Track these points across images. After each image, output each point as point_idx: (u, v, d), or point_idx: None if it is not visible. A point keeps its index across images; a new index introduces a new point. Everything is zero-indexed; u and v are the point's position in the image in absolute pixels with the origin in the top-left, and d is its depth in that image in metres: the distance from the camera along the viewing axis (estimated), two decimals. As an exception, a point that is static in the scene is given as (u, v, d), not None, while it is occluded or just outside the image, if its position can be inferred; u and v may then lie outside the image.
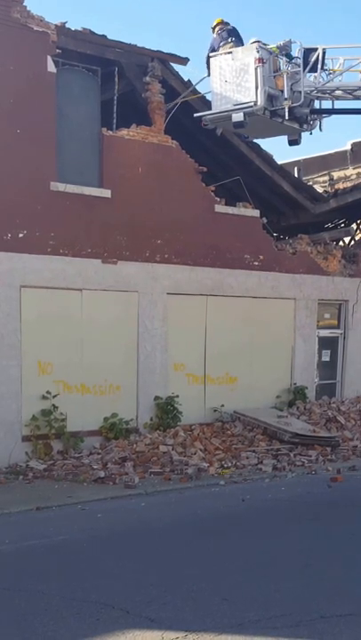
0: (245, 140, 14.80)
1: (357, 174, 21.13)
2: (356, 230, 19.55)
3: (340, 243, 18.96)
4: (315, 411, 15.05)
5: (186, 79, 13.96)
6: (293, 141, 12.50)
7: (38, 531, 8.17)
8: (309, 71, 11.60)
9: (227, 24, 12.42)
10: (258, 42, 11.39)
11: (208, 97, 12.64)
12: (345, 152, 22.41)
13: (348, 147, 22.36)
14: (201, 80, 13.16)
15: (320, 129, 12.22)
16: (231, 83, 11.49)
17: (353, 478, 11.26)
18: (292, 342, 15.80)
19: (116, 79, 13.29)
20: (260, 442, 13.16)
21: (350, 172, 21.76)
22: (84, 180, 12.64)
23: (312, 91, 11.68)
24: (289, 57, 11.50)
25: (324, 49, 11.61)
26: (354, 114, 12.57)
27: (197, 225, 14.01)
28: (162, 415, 13.51)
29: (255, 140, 15.08)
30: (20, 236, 11.88)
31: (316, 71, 11.61)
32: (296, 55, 11.53)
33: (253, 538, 7.84)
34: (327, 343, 16.64)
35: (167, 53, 13.68)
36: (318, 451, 12.85)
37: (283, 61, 11.48)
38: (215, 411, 14.30)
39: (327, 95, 11.93)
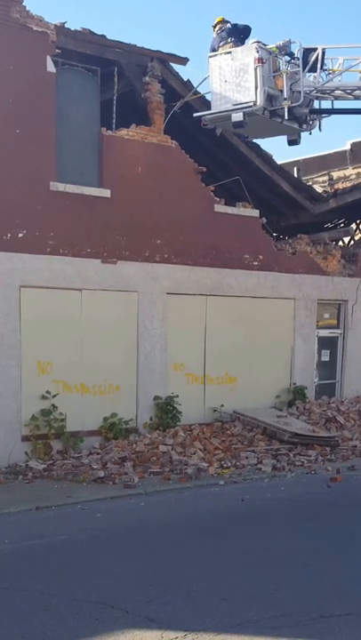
0: (245, 140, 14.81)
1: (357, 174, 21.14)
2: (356, 230, 19.56)
3: (340, 243, 18.97)
4: (314, 410, 15.05)
5: (186, 79, 13.96)
6: (293, 141, 12.52)
7: (38, 530, 8.17)
8: (309, 71, 11.61)
9: (227, 23, 12.41)
10: (258, 42, 11.40)
11: (208, 97, 12.65)
12: (344, 152, 22.43)
13: (347, 147, 22.39)
14: (203, 80, 13.18)
15: (319, 129, 12.24)
16: (231, 83, 11.50)
17: (352, 478, 11.26)
18: (292, 342, 15.80)
19: (116, 79, 13.29)
20: (259, 442, 13.17)
21: (350, 171, 21.77)
22: (84, 180, 12.64)
23: (312, 91, 11.69)
24: (289, 56, 11.51)
25: (323, 49, 11.63)
26: (353, 114, 12.58)
27: (197, 225, 14.02)
28: (161, 415, 13.51)
29: (255, 140, 15.09)
30: (20, 235, 11.89)
31: (315, 71, 11.63)
32: (296, 55, 11.54)
33: (253, 538, 7.84)
34: (327, 343, 16.65)
35: (167, 53, 13.68)
36: (318, 450, 12.86)
37: (282, 61, 11.49)
38: (215, 410, 14.30)
39: (327, 95, 11.94)
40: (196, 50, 52.32)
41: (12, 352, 11.82)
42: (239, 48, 11.71)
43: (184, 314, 13.99)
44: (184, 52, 35.37)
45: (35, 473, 11.32)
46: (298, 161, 21.97)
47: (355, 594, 6.07)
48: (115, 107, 13.40)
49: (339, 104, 12.20)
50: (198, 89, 13.65)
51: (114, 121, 13.34)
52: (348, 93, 11.85)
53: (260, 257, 15.11)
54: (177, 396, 13.69)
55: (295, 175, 18.43)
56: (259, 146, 15.70)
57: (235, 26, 12.25)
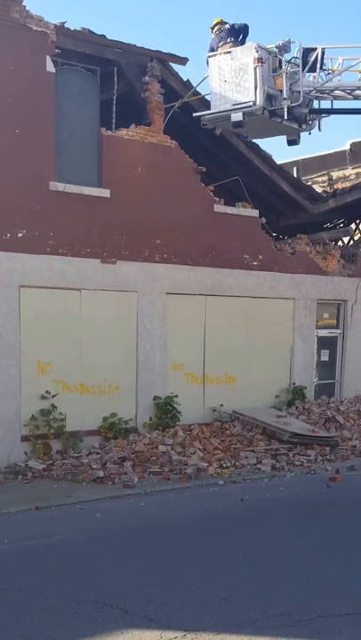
0: (244, 140, 14.83)
1: (356, 174, 21.15)
2: (355, 230, 19.58)
3: (340, 243, 18.98)
4: (314, 410, 15.05)
5: (185, 79, 13.96)
6: (292, 141, 12.54)
7: (37, 530, 8.17)
8: (308, 71, 11.63)
9: (225, 23, 12.42)
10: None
11: (207, 97, 12.65)
12: (344, 152, 22.45)
13: (347, 147, 22.40)
14: (203, 80, 13.20)
15: (319, 129, 12.26)
16: (230, 82, 11.52)
17: (352, 478, 11.27)
18: (292, 342, 15.80)
19: (116, 79, 13.28)
20: (259, 441, 13.17)
21: (349, 171, 21.79)
22: (84, 180, 12.64)
23: (311, 90, 11.70)
24: (288, 56, 11.52)
25: (323, 49, 11.64)
26: (353, 114, 12.60)
27: (197, 225, 14.02)
28: (161, 415, 13.51)
29: (254, 140, 15.11)
30: (20, 235, 11.88)
31: (315, 71, 11.65)
32: (295, 55, 11.55)
33: (252, 537, 7.85)
34: (326, 343, 16.65)
35: (166, 53, 13.68)
36: (317, 450, 12.86)
37: (282, 61, 11.49)
38: (214, 410, 14.31)
39: (326, 95, 11.96)
40: (195, 50, 52.42)
41: (12, 352, 11.82)
42: (239, 48, 11.72)
43: (184, 314, 14.00)
44: (184, 52, 35.42)
45: (34, 473, 11.32)
46: (297, 161, 21.98)
47: (354, 594, 6.08)
48: (114, 106, 13.41)
49: (338, 104, 12.22)
50: (198, 89, 13.69)
51: (113, 121, 13.34)
52: (348, 93, 11.86)
53: (260, 257, 15.12)
54: (176, 396, 13.69)
55: (295, 175, 18.44)
56: (258, 146, 15.72)
57: (233, 26, 12.27)
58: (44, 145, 12.04)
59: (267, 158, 15.95)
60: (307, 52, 11.59)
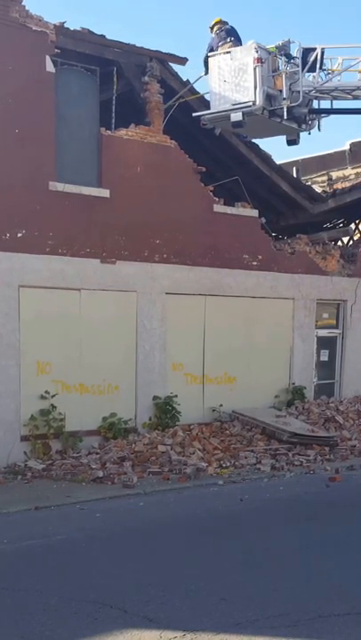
0: (244, 140, 14.83)
1: (356, 174, 21.15)
2: (355, 230, 19.58)
3: (339, 242, 18.98)
4: (313, 410, 15.06)
5: (185, 79, 13.95)
6: (292, 141, 12.53)
7: (37, 530, 8.17)
8: (308, 71, 11.62)
9: (225, 23, 12.42)
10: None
11: (207, 97, 12.64)
12: (344, 152, 22.45)
13: (346, 147, 22.40)
14: (198, 79, 13.20)
15: (319, 129, 12.25)
16: (230, 82, 11.51)
17: (351, 478, 11.28)
18: (291, 342, 15.80)
19: (115, 79, 13.28)
20: (258, 441, 13.17)
21: (349, 171, 21.78)
22: (83, 180, 12.64)
23: (311, 90, 11.70)
24: (288, 57, 11.51)
25: (322, 49, 11.64)
26: (352, 114, 12.60)
27: (196, 225, 14.02)
28: (160, 415, 13.51)
29: (254, 140, 15.11)
30: (19, 235, 11.88)
31: (314, 71, 11.64)
32: (295, 55, 11.54)
33: (252, 537, 7.85)
34: (326, 343, 16.65)
35: (166, 53, 13.67)
36: (317, 450, 12.86)
37: (281, 61, 11.49)
38: (214, 410, 14.30)
39: (326, 95, 11.95)
40: (195, 50, 52.40)
41: (11, 352, 11.81)
42: (238, 48, 11.73)
43: (183, 314, 13.99)
44: (183, 52, 35.30)
45: (34, 473, 11.31)
46: (297, 161, 21.97)
47: (354, 594, 6.07)
48: (114, 106, 13.40)
49: (338, 104, 12.21)
50: (198, 90, 13.69)
51: (113, 121, 13.34)
52: (348, 93, 11.86)
53: (260, 257, 15.12)
54: (176, 396, 13.69)
55: (294, 175, 18.43)
56: (258, 146, 15.72)
57: (233, 27, 12.27)
58: (43, 145, 12.04)
59: (266, 158, 15.95)
60: (306, 51, 11.59)
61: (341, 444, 13.46)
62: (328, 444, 13.24)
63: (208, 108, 12.23)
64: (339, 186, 19.61)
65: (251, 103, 11.26)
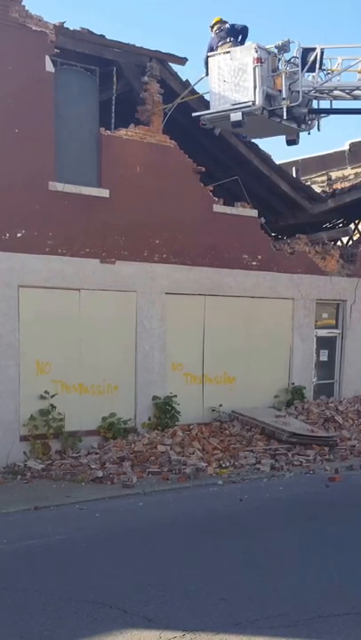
0: (244, 140, 14.82)
1: (356, 174, 21.17)
2: (355, 230, 19.58)
3: (339, 243, 18.99)
4: (313, 410, 15.06)
5: (184, 79, 13.95)
6: (292, 141, 12.52)
7: (36, 530, 8.17)
8: (308, 71, 11.61)
9: (225, 23, 12.41)
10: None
11: (206, 97, 12.64)
12: (343, 152, 22.47)
13: (346, 147, 22.42)
14: (199, 80, 13.18)
15: (318, 129, 12.23)
16: (230, 82, 11.50)
17: (351, 478, 11.28)
18: (291, 342, 15.81)
19: (115, 79, 13.28)
20: (258, 441, 13.17)
21: (348, 171, 21.80)
22: (83, 180, 12.64)
23: (310, 90, 11.69)
24: (287, 56, 11.51)
25: (322, 49, 11.63)
26: (352, 114, 12.59)
27: (196, 225, 14.02)
28: (160, 415, 13.50)
29: (253, 140, 15.10)
30: (19, 235, 11.88)
31: (314, 71, 11.63)
32: (294, 55, 11.53)
33: (251, 537, 7.85)
34: (325, 343, 16.65)
35: (166, 53, 13.67)
36: (316, 450, 12.86)
37: (281, 61, 11.49)
38: (213, 410, 14.30)
39: (325, 95, 11.94)
40: (195, 50, 52.42)
41: (11, 352, 11.81)
42: (238, 48, 11.71)
43: (183, 314, 13.99)
44: (183, 52, 35.35)
45: (33, 473, 11.31)
46: (297, 161, 21.98)
47: (353, 594, 6.07)
48: (113, 106, 13.40)
49: (337, 104, 12.20)
50: (197, 90, 13.68)
51: (112, 121, 13.34)
52: (347, 93, 11.85)
53: (259, 257, 15.12)
54: (175, 396, 13.69)
55: (294, 175, 18.43)
56: (257, 146, 15.72)
57: (233, 26, 12.26)
58: (43, 145, 12.03)
59: (266, 158, 15.95)
60: (306, 51, 11.58)
61: (341, 444, 13.47)
62: (328, 444, 13.24)
63: (208, 107, 12.22)
64: (338, 186, 19.62)
65: (250, 103, 11.26)
